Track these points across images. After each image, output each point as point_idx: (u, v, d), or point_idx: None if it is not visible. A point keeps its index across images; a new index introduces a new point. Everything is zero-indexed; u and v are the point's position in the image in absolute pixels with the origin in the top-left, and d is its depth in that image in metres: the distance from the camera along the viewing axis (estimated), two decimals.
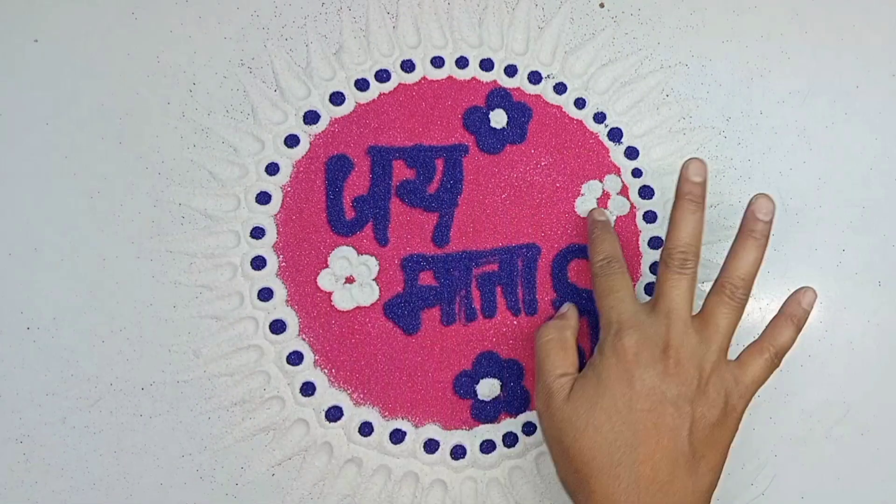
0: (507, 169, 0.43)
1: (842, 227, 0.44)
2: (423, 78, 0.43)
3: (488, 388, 0.41)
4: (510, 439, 0.41)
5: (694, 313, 0.36)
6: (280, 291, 0.41)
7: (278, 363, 0.40)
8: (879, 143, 0.45)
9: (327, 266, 0.41)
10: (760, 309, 0.43)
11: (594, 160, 0.44)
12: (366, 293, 0.41)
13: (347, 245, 0.41)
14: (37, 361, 0.39)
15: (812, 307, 0.37)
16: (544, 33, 0.44)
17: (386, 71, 0.43)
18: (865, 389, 0.43)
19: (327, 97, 0.42)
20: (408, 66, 0.43)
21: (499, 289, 0.42)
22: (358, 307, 0.41)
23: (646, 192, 0.43)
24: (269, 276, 0.41)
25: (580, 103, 0.44)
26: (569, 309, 0.40)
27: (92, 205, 0.40)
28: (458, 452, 0.40)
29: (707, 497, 0.35)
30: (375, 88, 0.43)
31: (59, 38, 0.41)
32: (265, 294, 0.41)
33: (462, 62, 0.43)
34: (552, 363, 0.36)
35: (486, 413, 0.41)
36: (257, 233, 0.41)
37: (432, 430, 0.41)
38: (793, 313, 0.37)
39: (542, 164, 0.43)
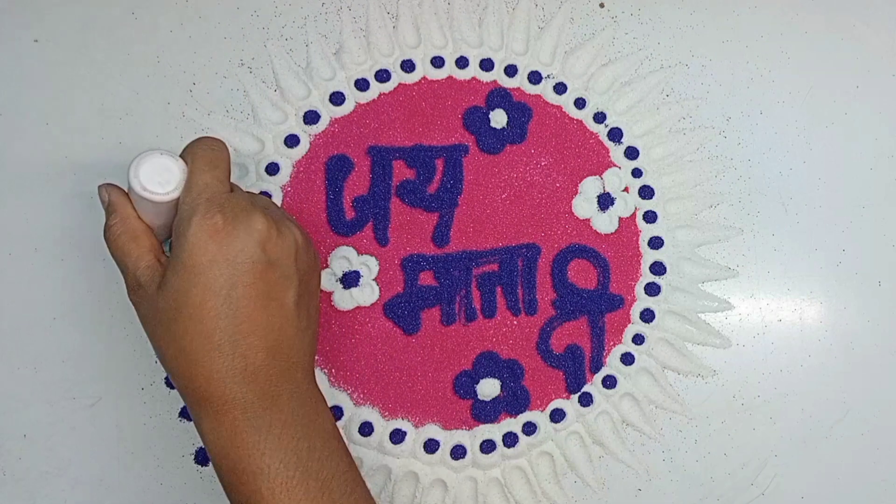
0: (507, 169, 0.43)
1: (842, 227, 0.44)
2: (423, 78, 0.43)
3: (488, 388, 0.41)
4: (510, 439, 0.41)
5: None
6: None
7: None
8: (879, 143, 0.45)
9: (327, 266, 0.41)
10: (760, 309, 0.43)
11: (594, 160, 0.44)
12: (366, 293, 0.41)
13: (347, 245, 0.41)
14: (37, 361, 0.39)
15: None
16: (544, 33, 0.44)
17: (386, 71, 0.43)
18: (865, 389, 0.43)
19: (327, 97, 0.42)
20: (408, 66, 0.43)
21: (499, 289, 0.42)
22: (358, 307, 0.41)
23: (646, 192, 0.43)
24: None
25: (580, 103, 0.44)
26: (110, 197, 0.35)
27: (92, 205, 0.40)
28: (458, 452, 0.40)
29: (315, 344, 0.35)
30: (375, 88, 0.43)
31: (59, 38, 0.41)
32: None
33: (462, 62, 0.43)
34: (132, 257, 0.33)
35: (486, 413, 0.41)
36: None
37: (432, 430, 0.41)
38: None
39: (543, 163, 0.43)
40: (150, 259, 0.33)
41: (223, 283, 0.32)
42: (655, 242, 0.43)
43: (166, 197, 0.33)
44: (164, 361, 0.33)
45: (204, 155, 0.34)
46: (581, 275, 0.43)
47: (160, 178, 0.33)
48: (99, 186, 0.35)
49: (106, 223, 0.34)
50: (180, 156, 0.34)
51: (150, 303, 0.33)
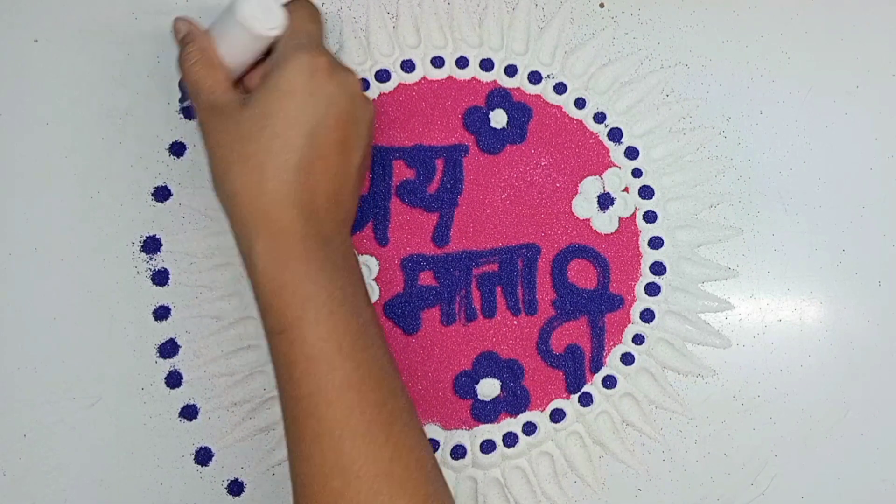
0: (507, 169, 0.43)
1: (842, 227, 0.44)
2: (423, 78, 0.43)
3: (488, 388, 0.41)
4: (510, 439, 0.41)
5: None
6: None
7: None
8: (879, 143, 0.45)
9: None
10: (760, 309, 0.43)
11: (594, 160, 0.44)
12: None
13: None
14: (37, 361, 0.39)
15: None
16: (544, 33, 0.44)
17: (386, 71, 0.43)
18: (865, 389, 0.43)
19: None
20: (408, 66, 0.43)
21: (499, 289, 0.42)
22: None
23: (646, 192, 0.43)
24: None
25: (580, 103, 0.44)
26: (189, 28, 0.36)
27: (92, 205, 0.40)
28: (458, 452, 0.40)
29: (354, 215, 0.37)
30: (375, 88, 0.43)
31: (59, 38, 0.41)
32: None
33: (462, 62, 0.43)
34: (208, 81, 0.35)
35: (486, 413, 0.41)
36: None
37: (432, 430, 0.41)
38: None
39: (542, 163, 0.43)
40: (228, 86, 0.35)
41: (311, 116, 0.33)
42: (655, 242, 0.43)
43: (269, 32, 0.35)
44: (230, 181, 0.33)
45: (307, 7, 0.37)
46: (581, 275, 0.43)
47: (264, 16, 0.35)
48: (176, 18, 0.37)
49: (182, 51, 0.36)
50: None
51: (230, 121, 0.34)
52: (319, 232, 0.33)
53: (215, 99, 0.34)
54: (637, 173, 0.44)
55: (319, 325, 0.32)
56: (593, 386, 0.42)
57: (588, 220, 0.43)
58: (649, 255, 0.43)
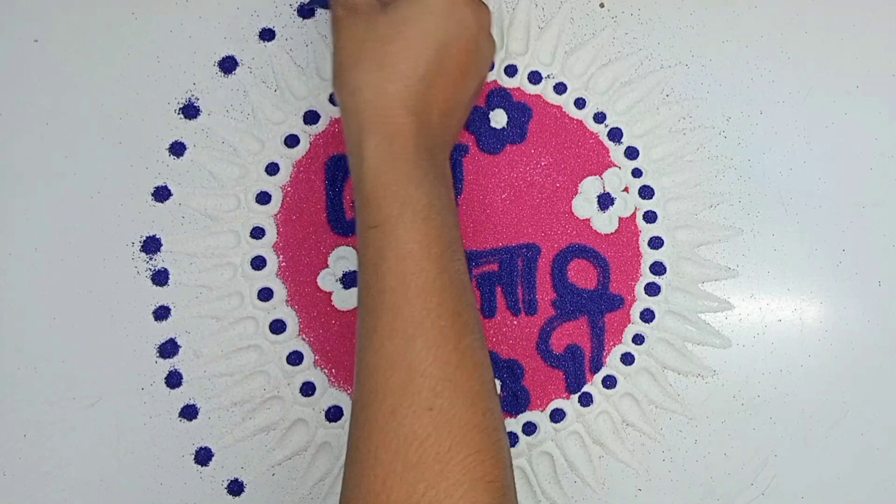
0: (507, 169, 0.43)
1: (842, 227, 0.44)
2: None
3: None
4: (510, 439, 0.41)
5: None
6: (280, 291, 0.41)
7: (278, 363, 0.40)
8: (879, 143, 0.45)
9: (327, 266, 0.41)
10: (760, 309, 0.43)
11: (594, 160, 0.44)
12: None
13: (347, 245, 0.41)
14: (37, 361, 0.39)
15: None
16: (544, 33, 0.44)
17: None
18: (865, 389, 0.43)
19: (327, 97, 0.42)
20: None
21: (499, 289, 0.42)
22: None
23: (646, 192, 0.43)
24: (269, 276, 0.41)
25: (580, 103, 0.44)
26: None
27: (92, 205, 0.40)
28: None
29: (455, 141, 0.39)
30: None
31: (59, 38, 0.41)
32: (265, 294, 0.41)
33: None
34: None
35: None
36: (257, 233, 0.41)
37: None
38: None
39: (542, 164, 0.43)
40: None
41: (443, 34, 0.35)
42: (655, 242, 0.43)
43: None
44: (355, 77, 0.35)
45: None
46: (581, 275, 0.43)
47: None
48: None
49: None
50: None
51: (366, 23, 0.35)
52: (428, 142, 0.35)
53: (356, 0, 0.36)
54: (637, 173, 0.44)
55: (415, 226, 0.33)
56: (593, 386, 0.42)
57: (588, 220, 0.43)
58: (649, 255, 0.43)
